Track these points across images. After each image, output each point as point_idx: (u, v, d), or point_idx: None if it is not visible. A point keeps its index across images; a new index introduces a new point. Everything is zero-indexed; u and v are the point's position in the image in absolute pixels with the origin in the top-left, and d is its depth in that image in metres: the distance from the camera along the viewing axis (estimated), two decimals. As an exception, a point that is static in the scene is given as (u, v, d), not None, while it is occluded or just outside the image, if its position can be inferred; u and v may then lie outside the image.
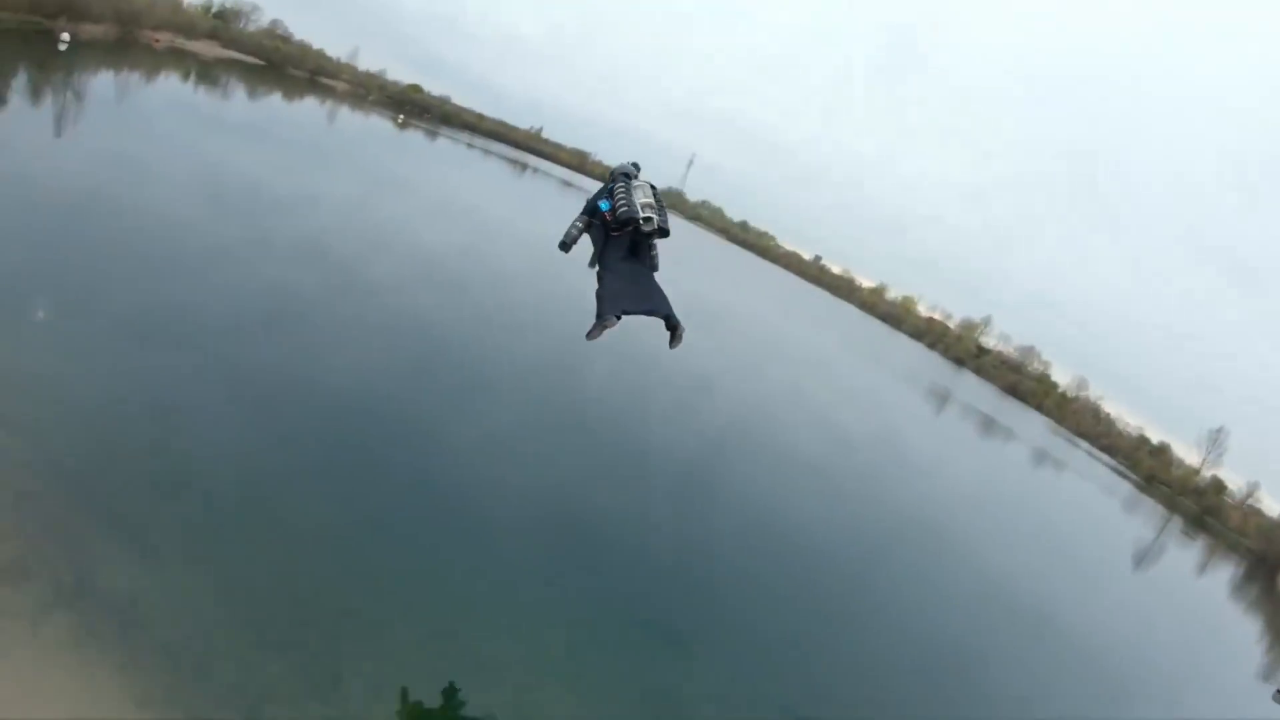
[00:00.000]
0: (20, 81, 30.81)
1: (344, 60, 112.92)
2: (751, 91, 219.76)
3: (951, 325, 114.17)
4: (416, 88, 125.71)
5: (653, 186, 6.53)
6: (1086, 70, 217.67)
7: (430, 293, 23.37)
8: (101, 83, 40.10)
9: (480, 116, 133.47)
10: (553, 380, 20.03)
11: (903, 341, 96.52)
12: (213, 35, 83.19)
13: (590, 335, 6.29)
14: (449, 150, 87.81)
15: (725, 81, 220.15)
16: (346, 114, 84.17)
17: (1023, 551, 25.40)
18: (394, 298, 21.19)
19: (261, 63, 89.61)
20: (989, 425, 53.65)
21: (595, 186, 7.63)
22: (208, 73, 66.05)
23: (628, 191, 6.33)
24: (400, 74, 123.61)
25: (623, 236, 6.44)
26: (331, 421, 12.61)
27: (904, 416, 42.38)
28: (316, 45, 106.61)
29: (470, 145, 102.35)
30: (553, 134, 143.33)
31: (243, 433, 10.96)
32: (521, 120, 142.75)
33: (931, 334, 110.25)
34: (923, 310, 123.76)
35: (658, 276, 6.75)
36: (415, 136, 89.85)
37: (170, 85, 50.79)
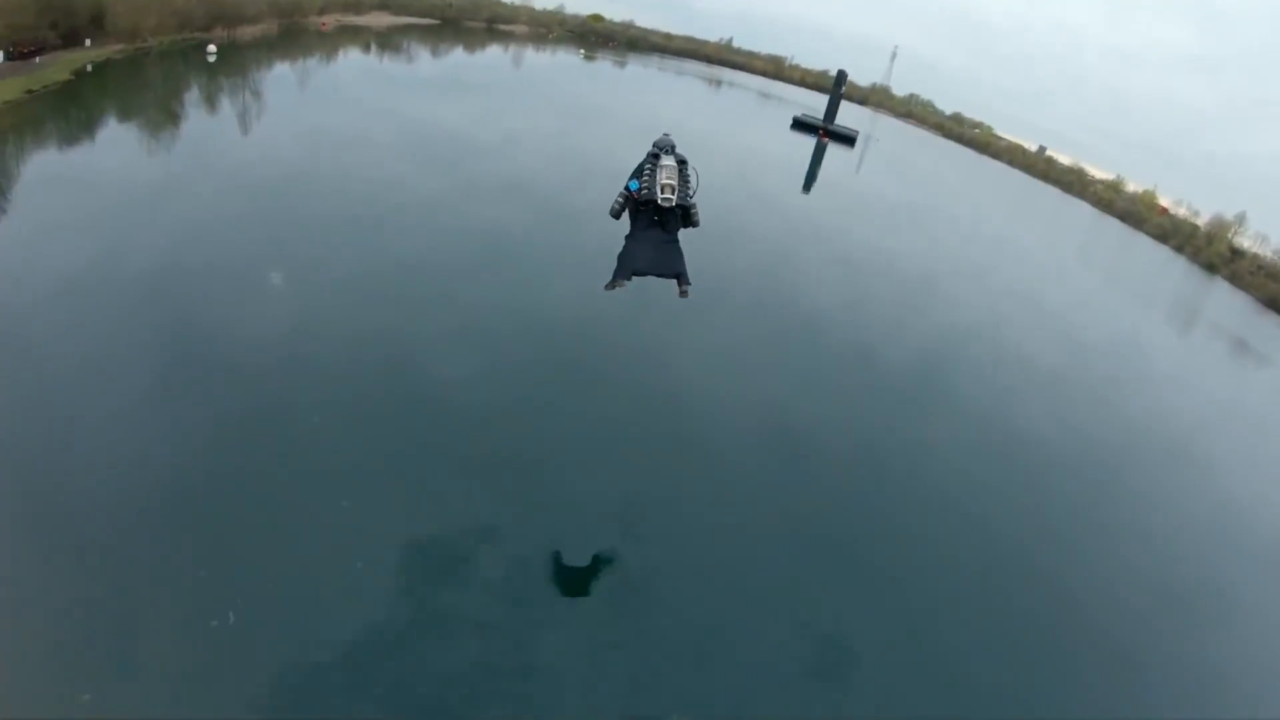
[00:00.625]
0: (193, 95, 31.48)
1: (519, 3, 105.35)
2: None
3: (1200, 224, 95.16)
4: (597, 17, 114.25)
5: (681, 162, 7.01)
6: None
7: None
8: (280, 73, 40.84)
9: (668, 36, 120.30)
10: (771, 290, 20.22)
11: (1144, 244, 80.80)
12: (382, 6, 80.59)
13: (607, 286, 7.32)
14: (639, 75, 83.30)
15: None
16: (531, 55, 77.83)
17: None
18: (607, 223, 15.81)
19: (436, 22, 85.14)
20: (1241, 348, 40.85)
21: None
22: (387, 41, 63.78)
23: (653, 172, 6.90)
24: (579, 5, 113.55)
25: (648, 210, 7.09)
26: (559, 349, 13.78)
27: (1145, 331, 35.61)
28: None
29: (661, 68, 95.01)
30: (745, 43, 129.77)
31: (473, 366, 12.41)
32: (711, 33, 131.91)
33: (1179, 235, 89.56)
34: (1166, 204, 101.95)
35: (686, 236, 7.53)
36: (603, 66, 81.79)
37: (353, 58, 51.18)
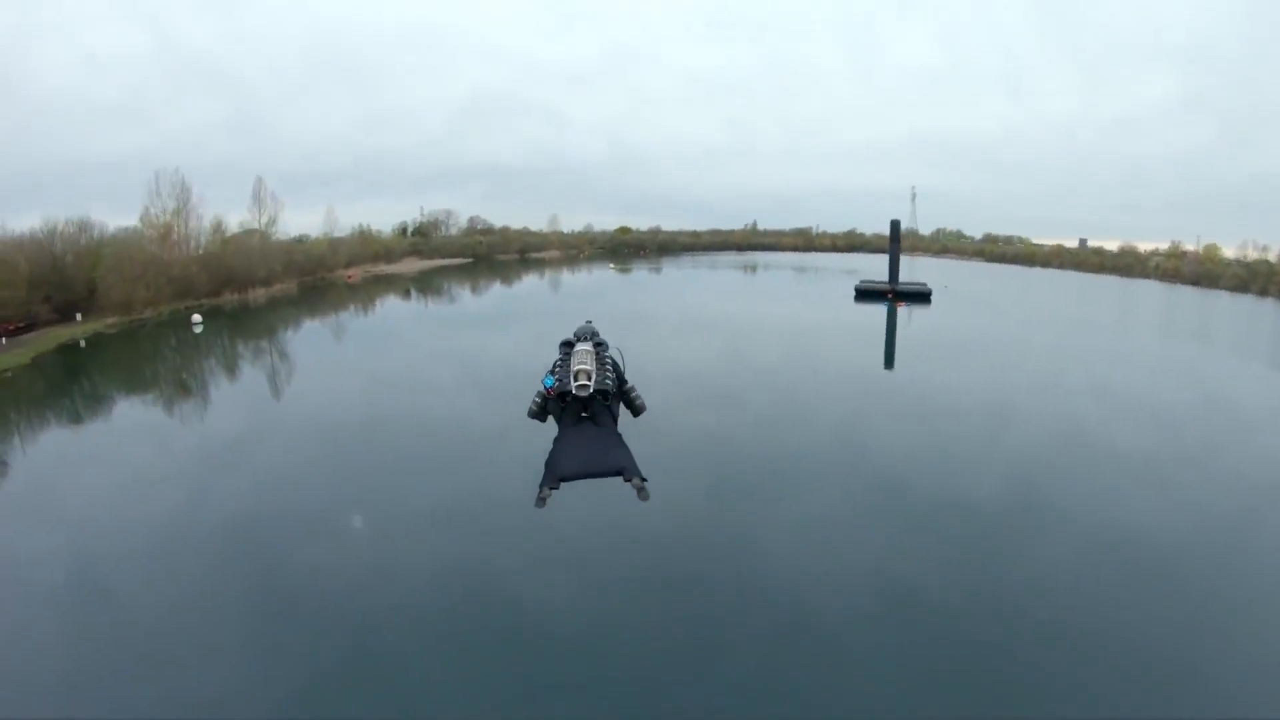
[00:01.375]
0: (212, 364, 32.76)
1: (547, 230, 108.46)
2: (933, 104, 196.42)
3: (1271, 259, 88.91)
4: (625, 229, 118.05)
5: (599, 344, 6.00)
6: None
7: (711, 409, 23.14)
8: (310, 329, 41.18)
9: (695, 234, 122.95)
10: (849, 457, 19.81)
11: (1223, 301, 73.53)
12: (413, 252, 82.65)
13: (537, 504, 5.67)
14: (675, 276, 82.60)
15: (902, 105, 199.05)
16: (567, 277, 77.19)
17: None
18: (670, 423, 19.74)
19: (469, 260, 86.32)
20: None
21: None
22: (426, 283, 64.15)
23: (565, 362, 5.91)
24: (604, 221, 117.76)
25: (571, 405, 5.90)
26: (648, 561, 13.48)
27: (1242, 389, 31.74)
28: (516, 225, 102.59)
29: (694, 265, 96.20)
30: (767, 222, 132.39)
31: (565, 585, 12.43)
32: (733, 221, 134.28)
33: (1258, 279, 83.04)
34: (1229, 253, 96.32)
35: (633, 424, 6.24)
36: (639, 275, 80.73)
37: (392, 304, 52.40)
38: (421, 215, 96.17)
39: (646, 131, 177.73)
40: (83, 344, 33.04)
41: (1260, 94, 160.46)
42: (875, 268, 70.35)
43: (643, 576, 12.76)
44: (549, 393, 5.90)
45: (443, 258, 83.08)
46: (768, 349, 34.56)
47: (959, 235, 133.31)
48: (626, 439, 5.86)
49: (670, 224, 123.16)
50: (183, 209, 47.27)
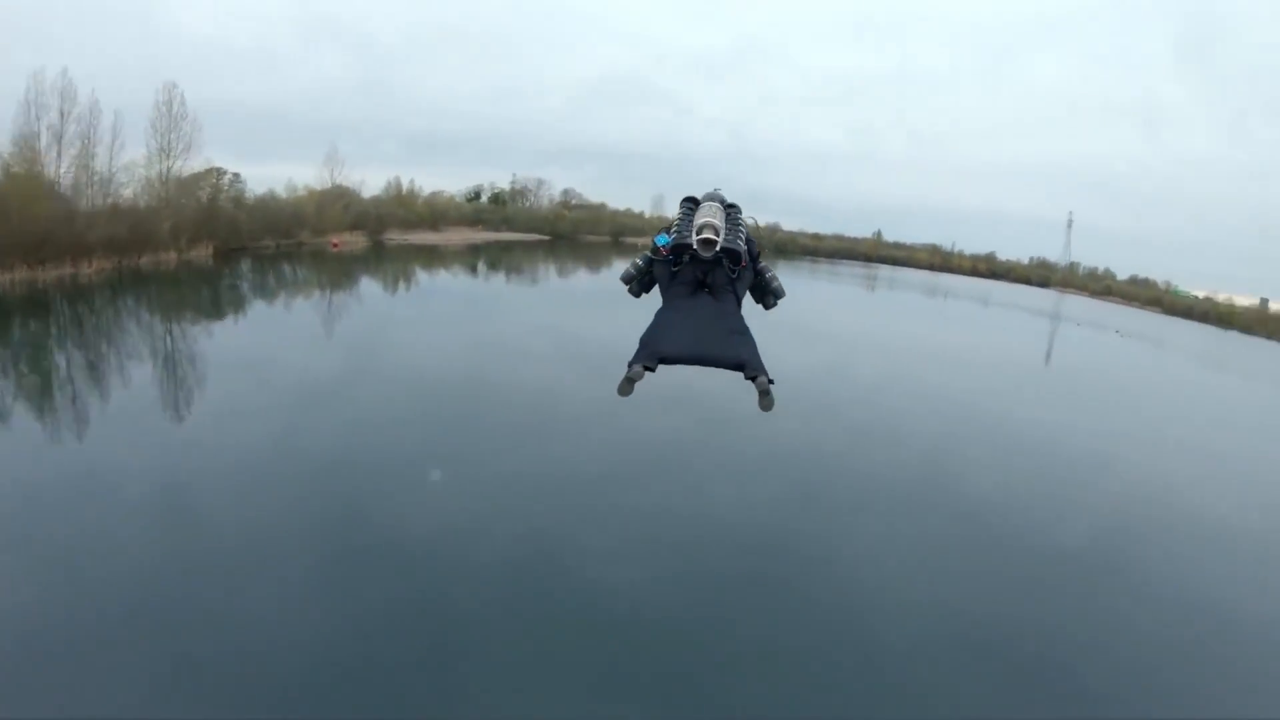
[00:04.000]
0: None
1: (651, 214, 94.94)
2: (1065, 133, 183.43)
3: None
4: None
5: (731, 206, 4.60)
6: None
7: (792, 419, 20.88)
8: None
9: (816, 237, 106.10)
10: (929, 484, 18.27)
11: None
12: (477, 221, 70.91)
13: (620, 390, 4.29)
14: (796, 280, 66.53)
15: (1033, 127, 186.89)
16: None
17: None
18: (758, 428, 17.70)
19: (545, 237, 73.65)
20: None
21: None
22: (454, 259, 54.09)
23: (688, 217, 4.57)
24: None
25: (686, 270, 4.54)
26: (730, 556, 12.94)
27: None
28: (617, 206, 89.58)
29: (813, 274, 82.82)
30: (891, 234, 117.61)
31: (641, 572, 11.81)
32: (853, 229, 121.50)
33: None
34: None
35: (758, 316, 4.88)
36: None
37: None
38: (514, 182, 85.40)
39: (768, 128, 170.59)
40: None
41: None
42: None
43: (704, 572, 12.27)
44: (662, 251, 4.55)
45: (515, 231, 71.00)
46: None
47: (1110, 275, 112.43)
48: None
49: (787, 224, 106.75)
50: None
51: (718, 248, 4.32)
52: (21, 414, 17.33)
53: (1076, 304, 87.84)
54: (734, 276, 4.46)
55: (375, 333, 29.14)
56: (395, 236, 55.38)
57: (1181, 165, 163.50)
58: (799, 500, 15.64)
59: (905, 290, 78.43)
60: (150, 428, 16.46)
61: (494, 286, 46.18)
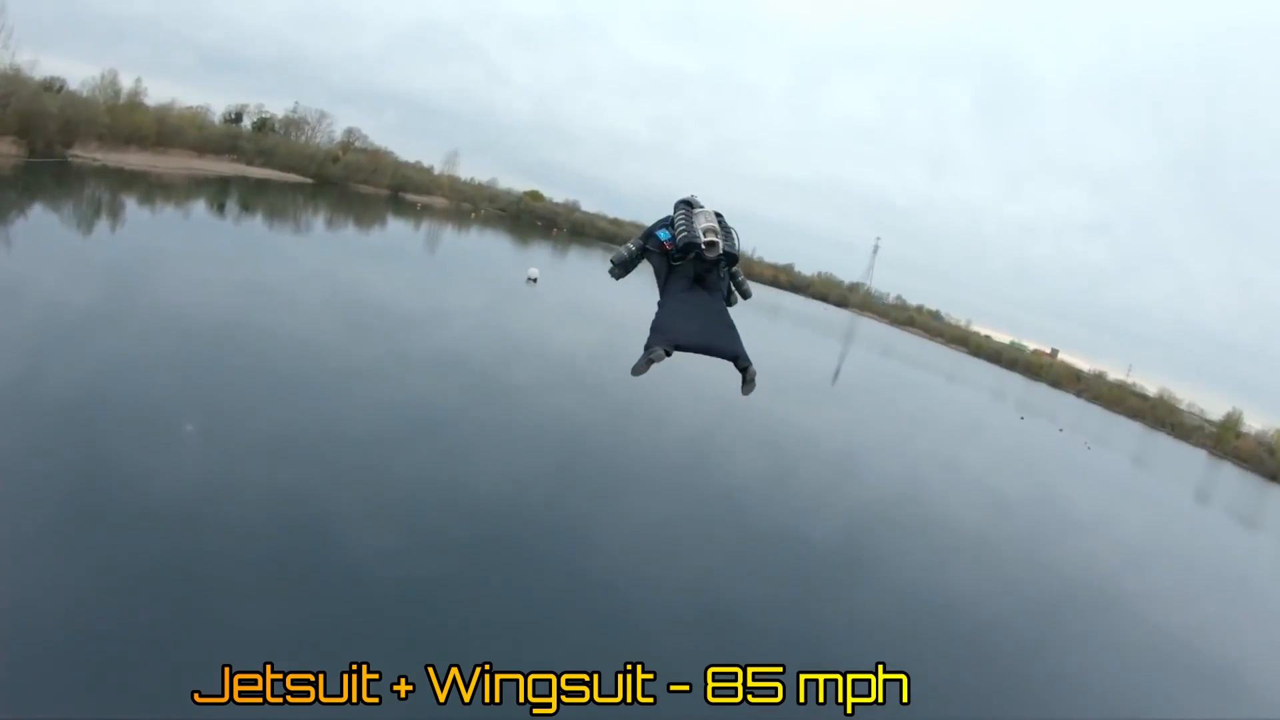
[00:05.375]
0: None
1: (441, 170, 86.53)
2: (858, 160, 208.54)
3: (1181, 405, 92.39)
4: (536, 195, 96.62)
5: (717, 214, 5.16)
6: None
7: (566, 394, 22.80)
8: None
9: (616, 222, 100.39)
10: (692, 469, 19.50)
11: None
12: (230, 150, 60.23)
13: (635, 369, 4.70)
14: (592, 264, 63.55)
15: (831, 153, 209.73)
16: (450, 238, 57.61)
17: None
18: (528, 399, 20.82)
19: (307, 180, 63.61)
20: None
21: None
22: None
23: (688, 218, 5.00)
24: (512, 185, 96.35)
25: (685, 266, 5.00)
26: (482, 523, 13.04)
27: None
28: (406, 156, 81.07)
29: (607, 259, 75.68)
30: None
31: (397, 538, 11.62)
32: (644, 218, 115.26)
33: (1179, 427, 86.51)
34: (1149, 388, 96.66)
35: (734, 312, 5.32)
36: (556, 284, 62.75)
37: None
38: (294, 110, 72.39)
39: (577, 106, 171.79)
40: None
41: (1155, 235, 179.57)
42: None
43: (457, 538, 12.25)
44: (666, 245, 4.94)
45: (272, 168, 60.34)
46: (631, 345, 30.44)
47: (925, 309, 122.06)
48: None
49: (586, 204, 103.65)
50: None
51: (720, 250, 4.77)
52: None
53: (874, 328, 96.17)
54: (722, 277, 4.94)
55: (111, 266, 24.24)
56: (88, 155, 42.82)
57: (960, 206, 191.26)
58: (557, 472, 16.15)
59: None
60: None
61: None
